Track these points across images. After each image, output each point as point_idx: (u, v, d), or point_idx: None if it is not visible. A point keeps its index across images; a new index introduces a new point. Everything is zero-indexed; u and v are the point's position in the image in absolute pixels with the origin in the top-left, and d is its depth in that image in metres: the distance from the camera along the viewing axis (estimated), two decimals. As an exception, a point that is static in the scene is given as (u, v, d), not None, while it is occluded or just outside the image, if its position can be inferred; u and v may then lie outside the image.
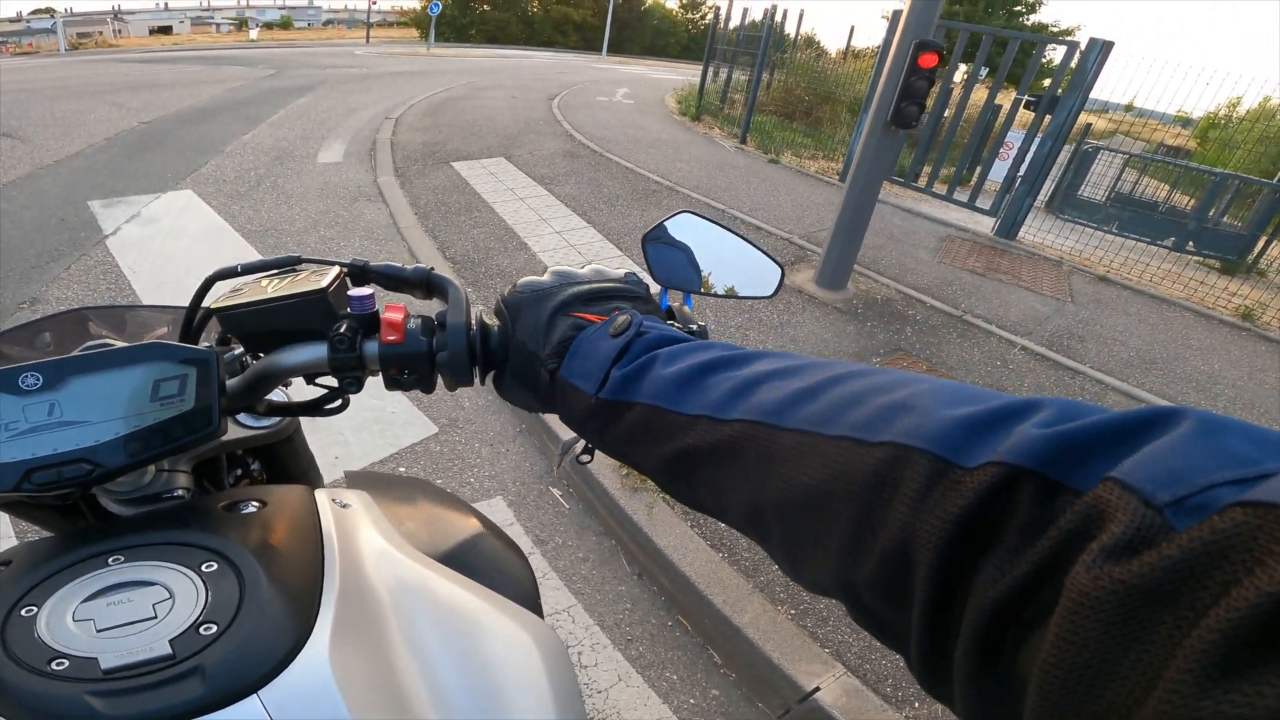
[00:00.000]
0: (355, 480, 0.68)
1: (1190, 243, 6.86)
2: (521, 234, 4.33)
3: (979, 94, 6.68)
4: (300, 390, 0.55)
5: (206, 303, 0.52)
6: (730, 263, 0.65)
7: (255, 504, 0.47)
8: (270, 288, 0.50)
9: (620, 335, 0.43)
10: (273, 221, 4.25)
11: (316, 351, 0.49)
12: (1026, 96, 5.82)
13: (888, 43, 5.48)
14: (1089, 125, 7.71)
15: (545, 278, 0.51)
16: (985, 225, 5.98)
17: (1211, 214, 7.24)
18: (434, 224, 4.39)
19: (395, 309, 0.49)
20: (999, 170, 5.97)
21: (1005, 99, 6.37)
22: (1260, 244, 6.78)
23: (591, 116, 8.69)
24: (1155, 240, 6.70)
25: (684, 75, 16.11)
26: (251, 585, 0.39)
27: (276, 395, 0.55)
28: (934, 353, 3.54)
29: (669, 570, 1.95)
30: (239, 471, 0.68)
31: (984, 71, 7.17)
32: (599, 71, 17.80)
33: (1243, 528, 0.17)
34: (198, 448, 0.47)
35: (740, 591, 1.87)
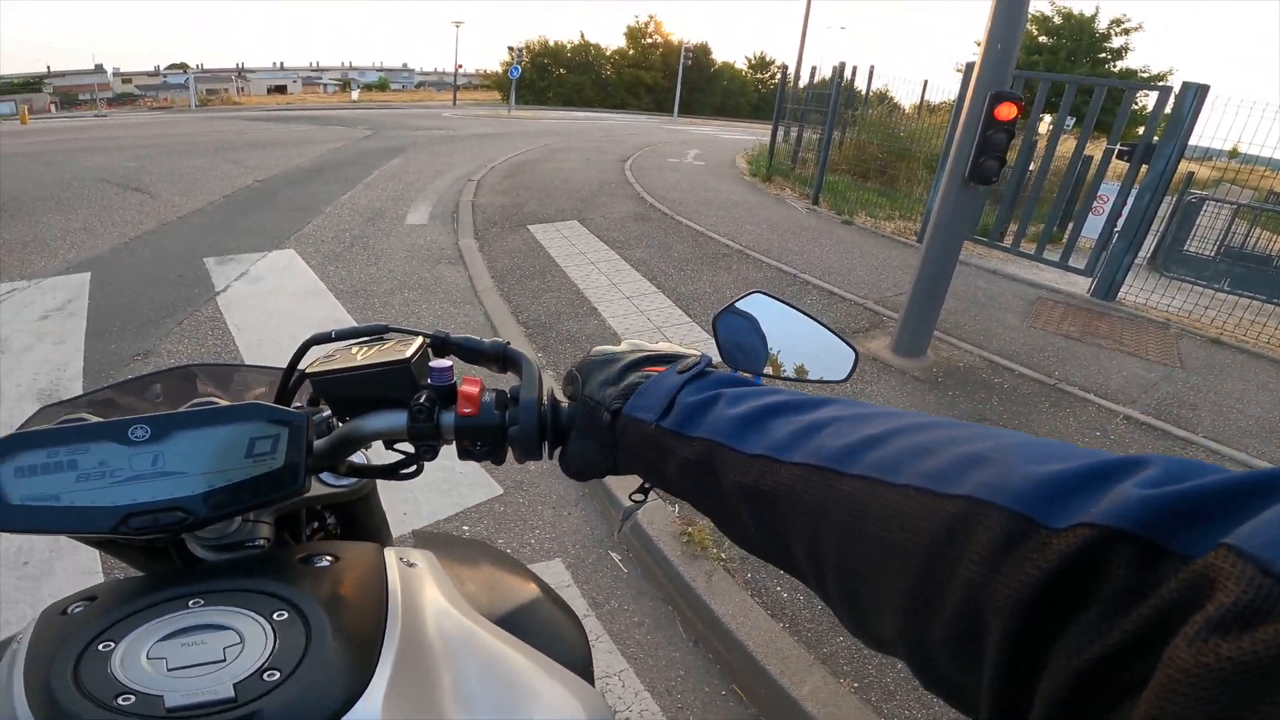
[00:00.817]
0: (423, 540, 0.69)
1: (1316, 301, 6.23)
2: (592, 299, 4.40)
3: (1066, 145, 6.38)
4: (379, 454, 0.58)
5: (302, 366, 0.55)
6: (803, 345, 0.65)
7: (329, 558, 0.49)
8: (360, 355, 0.53)
9: (685, 372, 0.44)
10: (362, 282, 4.51)
11: (397, 420, 0.51)
12: (1119, 146, 5.51)
13: (962, 96, 5.38)
14: (1190, 174, 7.23)
15: (620, 346, 0.52)
16: (1080, 286, 5.64)
17: (1343, 269, 6.58)
18: (509, 288, 4.53)
19: (472, 382, 0.51)
20: (1093, 226, 5.65)
21: (1095, 150, 6.06)
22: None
23: (662, 178, 8.91)
24: (1272, 298, 6.13)
25: (754, 135, 16.39)
26: (317, 635, 0.40)
27: (357, 457, 0.58)
28: (1023, 423, 3.31)
29: (726, 639, 1.89)
30: (315, 525, 0.71)
31: (1070, 122, 6.90)
32: (670, 133, 18.36)
33: None
34: (282, 503, 0.50)
35: (801, 663, 1.79)
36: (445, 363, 0.53)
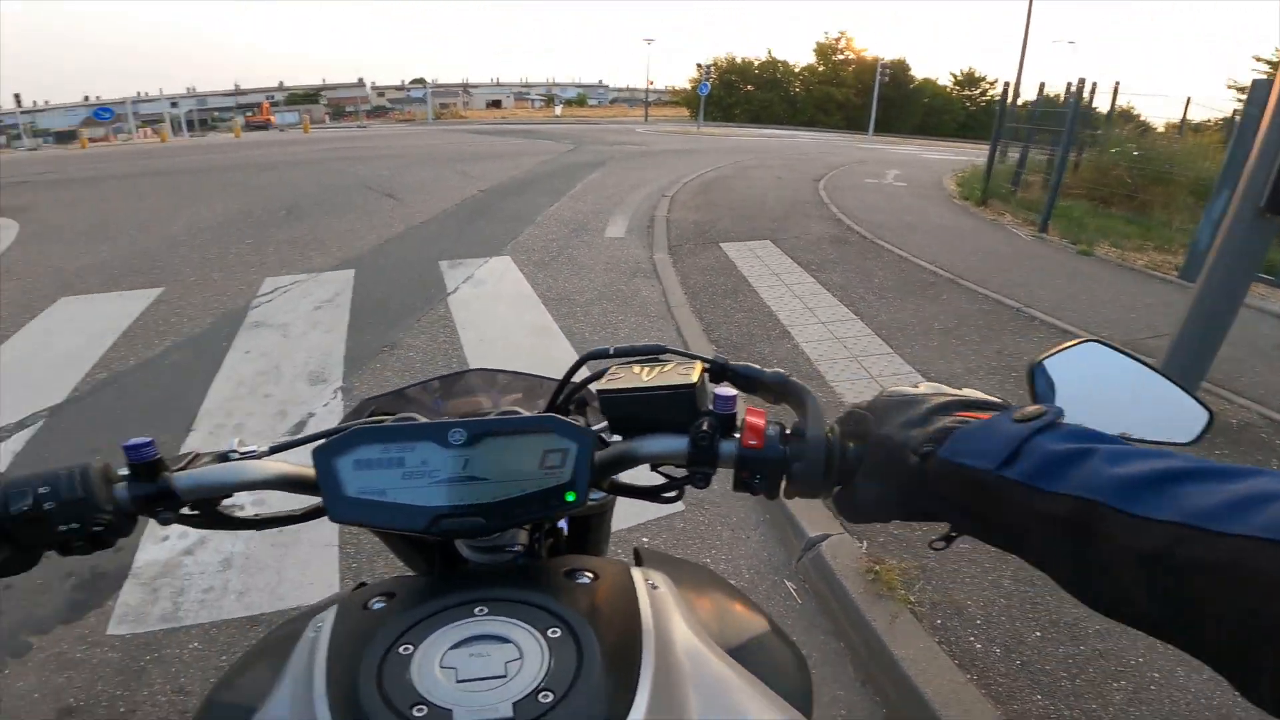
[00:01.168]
0: (648, 559, 0.69)
1: None
2: (785, 321, 4.29)
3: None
4: (635, 473, 0.58)
5: (579, 378, 0.57)
6: (1139, 402, 0.58)
7: (589, 574, 0.49)
8: (644, 375, 0.53)
9: (1031, 420, 0.40)
10: (566, 291, 4.82)
11: (678, 444, 0.51)
12: None
13: (1249, 115, 4.47)
14: None
15: (919, 388, 0.49)
16: None
17: None
18: (701, 305, 4.57)
19: (757, 414, 0.50)
20: None
21: None
22: None
23: (860, 199, 8.52)
24: None
25: (963, 156, 15.13)
26: (589, 657, 0.40)
27: (624, 475, 0.58)
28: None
29: (901, 684, 1.78)
30: (547, 527, 0.73)
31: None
32: (865, 151, 17.58)
33: None
34: (562, 515, 0.50)
35: (985, 717, 1.65)
36: (730, 391, 0.52)
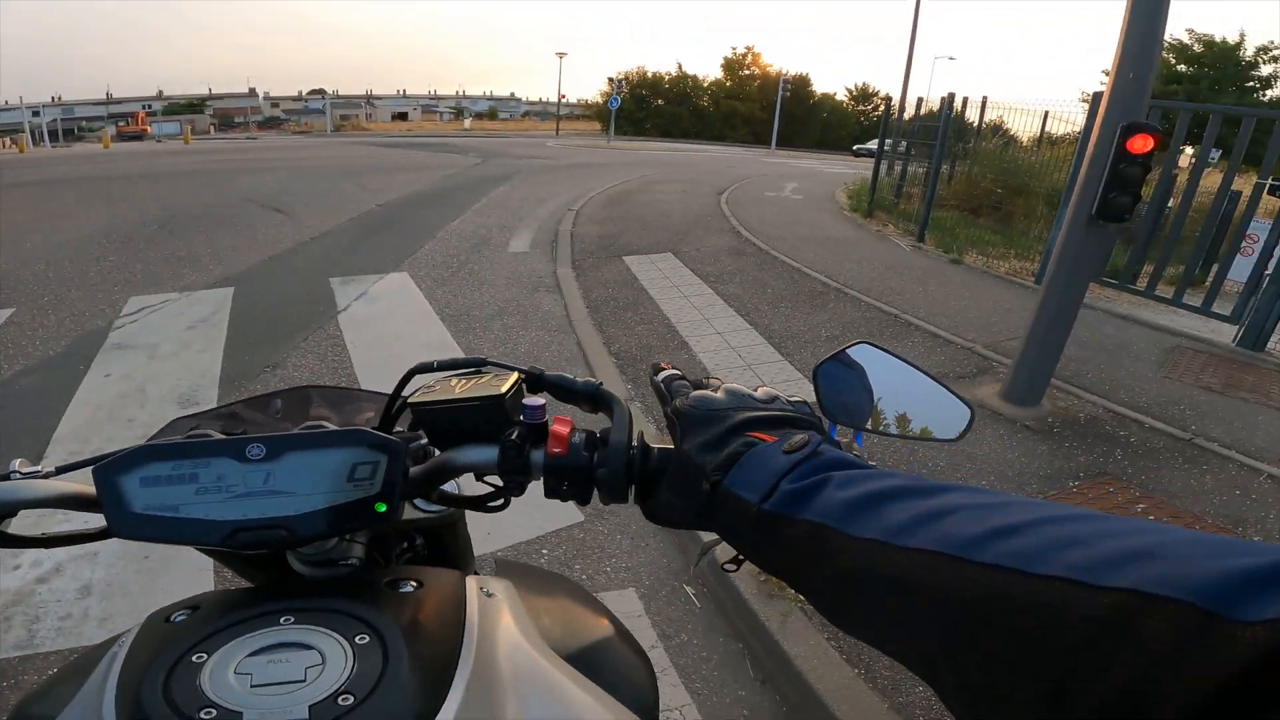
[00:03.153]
0: (504, 569, 0.70)
1: None
2: (684, 333, 4.40)
3: (1210, 180, 5.79)
4: (470, 484, 0.60)
5: (406, 393, 0.58)
6: (911, 400, 0.62)
7: (413, 584, 0.50)
8: (458, 387, 0.54)
9: (795, 452, 0.43)
10: (466, 307, 4.74)
11: (489, 453, 0.52)
12: (1270, 180, 4.98)
13: (1088, 128, 5.02)
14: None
15: (720, 395, 0.51)
16: (1225, 334, 5.06)
17: None
18: (602, 318, 4.62)
19: (563, 422, 0.52)
20: (1241, 268, 5.07)
21: (1244, 185, 5.46)
22: None
23: (759, 212, 8.86)
24: None
25: (856, 169, 16.04)
26: (394, 662, 0.41)
27: (449, 487, 0.59)
28: (1150, 478, 2.99)
29: (796, 680, 1.85)
30: (405, 545, 0.73)
31: (1215, 155, 6.26)
32: (768, 165, 18.31)
33: None
34: (376, 527, 0.51)
35: (873, 711, 1.74)
36: (538, 400, 0.54)
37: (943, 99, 7.91)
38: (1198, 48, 23.17)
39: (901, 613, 0.33)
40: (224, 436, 0.50)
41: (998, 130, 9.43)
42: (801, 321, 4.69)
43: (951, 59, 78.76)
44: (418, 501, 0.66)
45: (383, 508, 0.47)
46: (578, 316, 4.63)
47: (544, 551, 2.37)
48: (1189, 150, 6.21)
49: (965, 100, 8.24)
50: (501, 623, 0.50)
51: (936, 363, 4.17)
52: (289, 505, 0.47)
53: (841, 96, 41.68)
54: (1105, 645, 0.25)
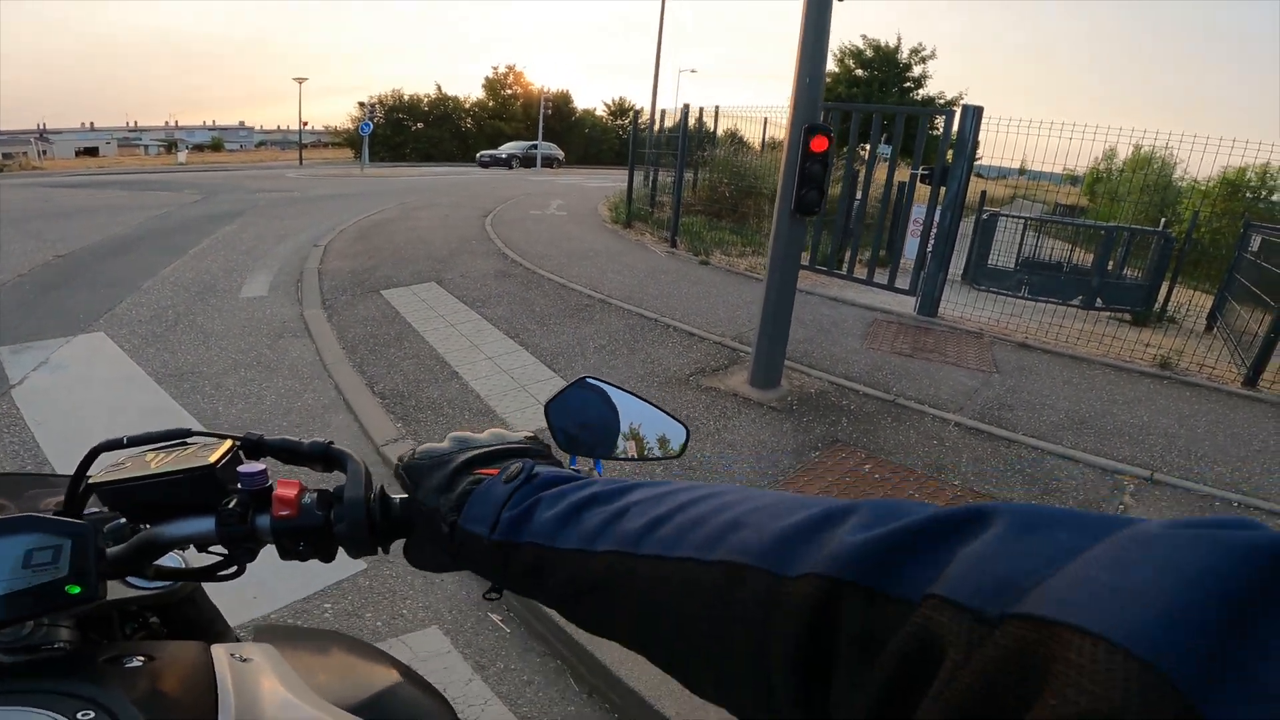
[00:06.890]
0: (263, 634, 0.67)
1: (1098, 299, 7.30)
2: (453, 363, 4.27)
3: (881, 173, 7.07)
4: (197, 554, 0.57)
5: (92, 473, 0.54)
6: (636, 424, 0.66)
7: (140, 659, 0.48)
8: (154, 463, 0.51)
9: (512, 480, 0.45)
10: (190, 364, 4.09)
11: (204, 524, 0.50)
12: (920, 170, 6.10)
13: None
14: (983, 193, 8.27)
15: (444, 444, 0.52)
16: (908, 305, 6.23)
17: (1110, 267, 7.76)
18: (362, 357, 4.30)
19: (289, 484, 0.51)
20: (911, 248, 6.25)
21: (906, 175, 6.75)
22: (1163, 291, 7.24)
23: (524, 232, 8.92)
24: (1066, 300, 7.11)
25: (617, 182, 16.91)
26: None
27: (170, 560, 0.56)
28: (871, 440, 3.56)
29: (619, 687, 1.91)
30: (134, 625, 0.68)
31: (888, 150, 7.69)
32: (534, 184, 18.53)
33: (1024, 644, 0.17)
34: (74, 610, 0.48)
35: (693, 703, 1.79)
36: (257, 466, 0.52)
37: (680, 110, 8.69)
38: (869, 52, 24.66)
39: (610, 609, 0.36)
40: None
41: (734, 137, 10.57)
42: (570, 336, 4.81)
43: (693, 71, 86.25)
44: (136, 580, 0.63)
45: (76, 590, 0.45)
46: (333, 360, 4.25)
47: (326, 606, 2.20)
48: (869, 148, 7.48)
49: (701, 110, 9.13)
50: (264, 686, 0.49)
51: (694, 359, 4.55)
52: None
53: (601, 111, 43.62)
54: (724, 614, 0.27)
